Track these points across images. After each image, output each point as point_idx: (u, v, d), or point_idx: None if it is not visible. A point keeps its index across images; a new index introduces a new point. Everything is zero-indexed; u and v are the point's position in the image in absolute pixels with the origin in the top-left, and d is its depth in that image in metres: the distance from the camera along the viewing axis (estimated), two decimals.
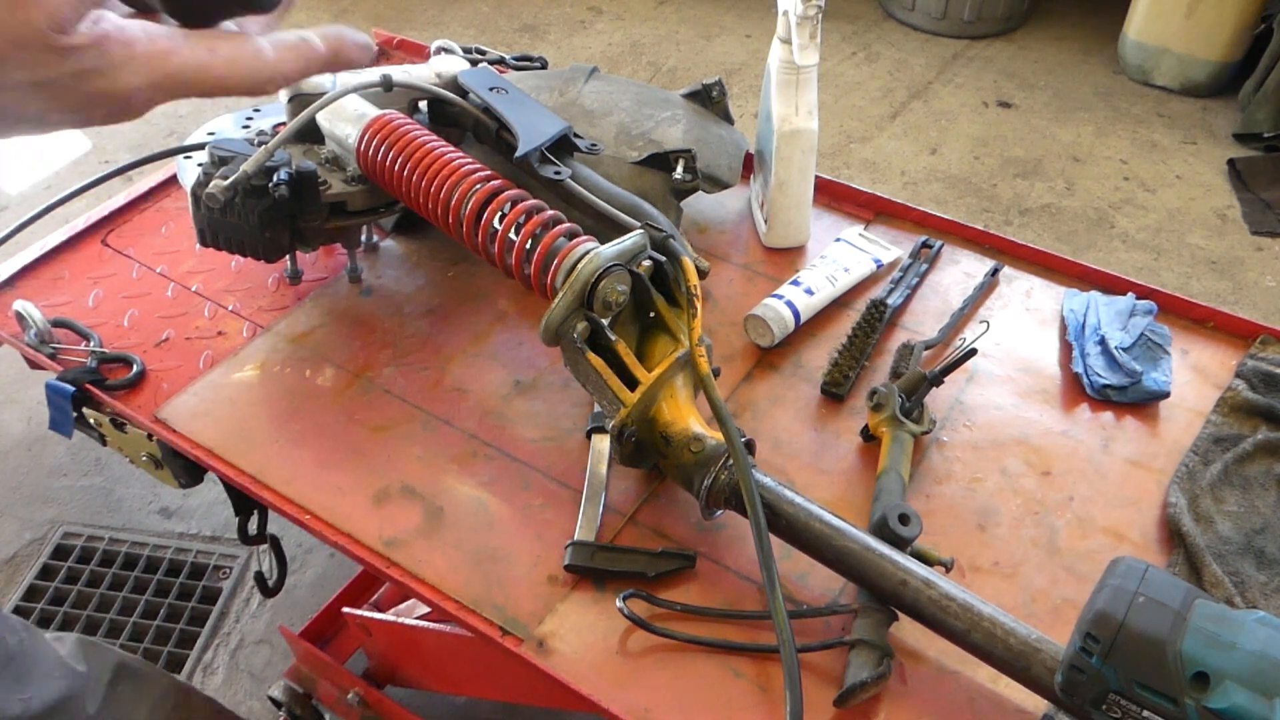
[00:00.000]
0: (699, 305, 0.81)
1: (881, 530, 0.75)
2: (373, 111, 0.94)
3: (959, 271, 1.08)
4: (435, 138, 0.93)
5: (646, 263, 0.81)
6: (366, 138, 0.92)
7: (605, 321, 0.79)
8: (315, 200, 0.93)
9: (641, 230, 0.83)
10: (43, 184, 2.68)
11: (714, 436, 0.78)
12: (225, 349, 1.01)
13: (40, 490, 1.94)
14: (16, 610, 1.73)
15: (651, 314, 0.82)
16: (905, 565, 0.70)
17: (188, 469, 0.98)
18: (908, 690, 0.73)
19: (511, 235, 0.86)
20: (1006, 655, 0.66)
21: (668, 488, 0.87)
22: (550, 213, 0.86)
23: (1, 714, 0.76)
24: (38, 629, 0.84)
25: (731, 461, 0.75)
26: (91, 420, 1.00)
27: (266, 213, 0.91)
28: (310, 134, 0.97)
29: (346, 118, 0.95)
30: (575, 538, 0.81)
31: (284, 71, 0.53)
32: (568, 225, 0.85)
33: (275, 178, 0.90)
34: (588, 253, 0.79)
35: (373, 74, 0.95)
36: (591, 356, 0.79)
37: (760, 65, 2.16)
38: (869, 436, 0.90)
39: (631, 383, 0.79)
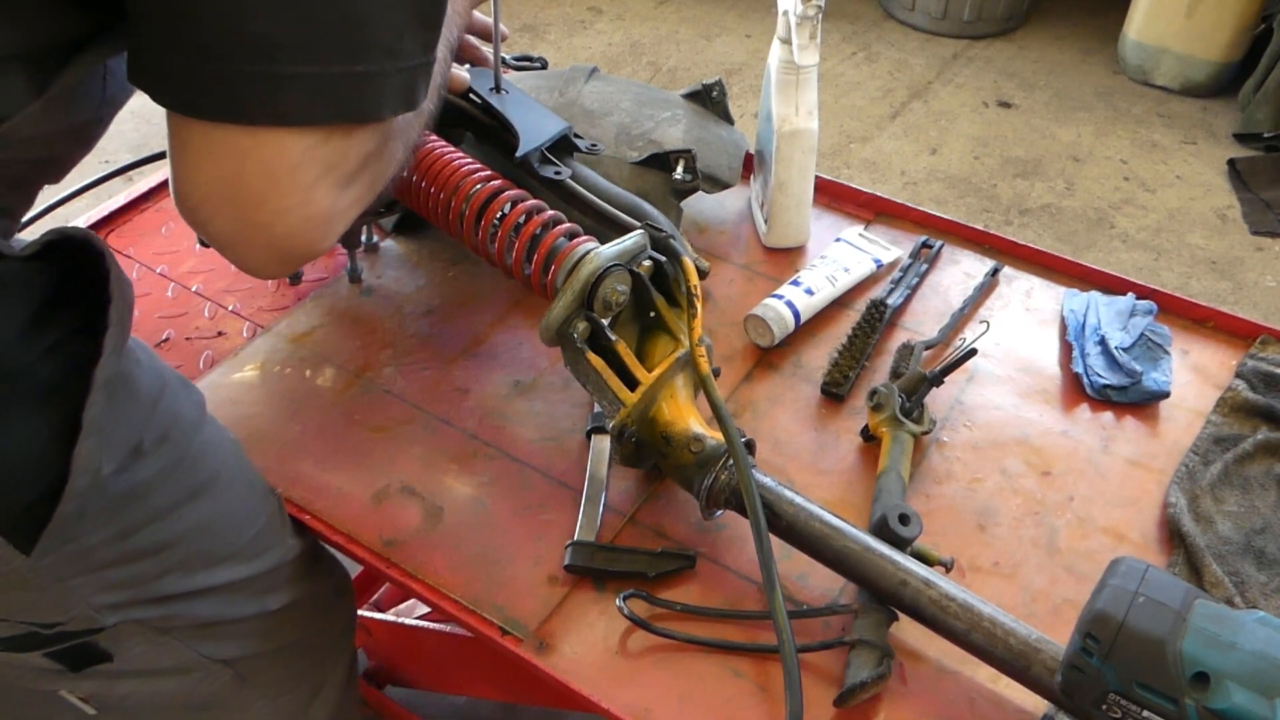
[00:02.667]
0: (699, 305, 0.81)
1: (881, 530, 0.75)
2: None
3: (959, 271, 1.08)
4: (435, 138, 0.93)
5: (647, 262, 0.81)
6: None
7: (605, 321, 0.79)
8: None
9: (642, 230, 0.83)
10: None
11: (714, 436, 0.78)
12: (225, 349, 1.01)
13: None
14: None
15: (652, 314, 0.82)
16: (905, 565, 0.70)
17: None
18: (908, 690, 0.73)
19: (511, 235, 0.86)
20: (1006, 655, 0.66)
21: (667, 488, 0.87)
22: (550, 213, 0.86)
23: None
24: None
25: (731, 462, 0.75)
26: None
27: None
28: None
29: None
30: (575, 538, 0.81)
31: None
32: (568, 225, 0.85)
33: None
34: (588, 253, 0.79)
35: None
36: (592, 356, 0.79)
37: (760, 65, 2.16)
38: (869, 437, 0.90)
39: (631, 383, 0.79)
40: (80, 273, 0.62)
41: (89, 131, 0.68)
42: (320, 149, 0.54)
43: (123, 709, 0.76)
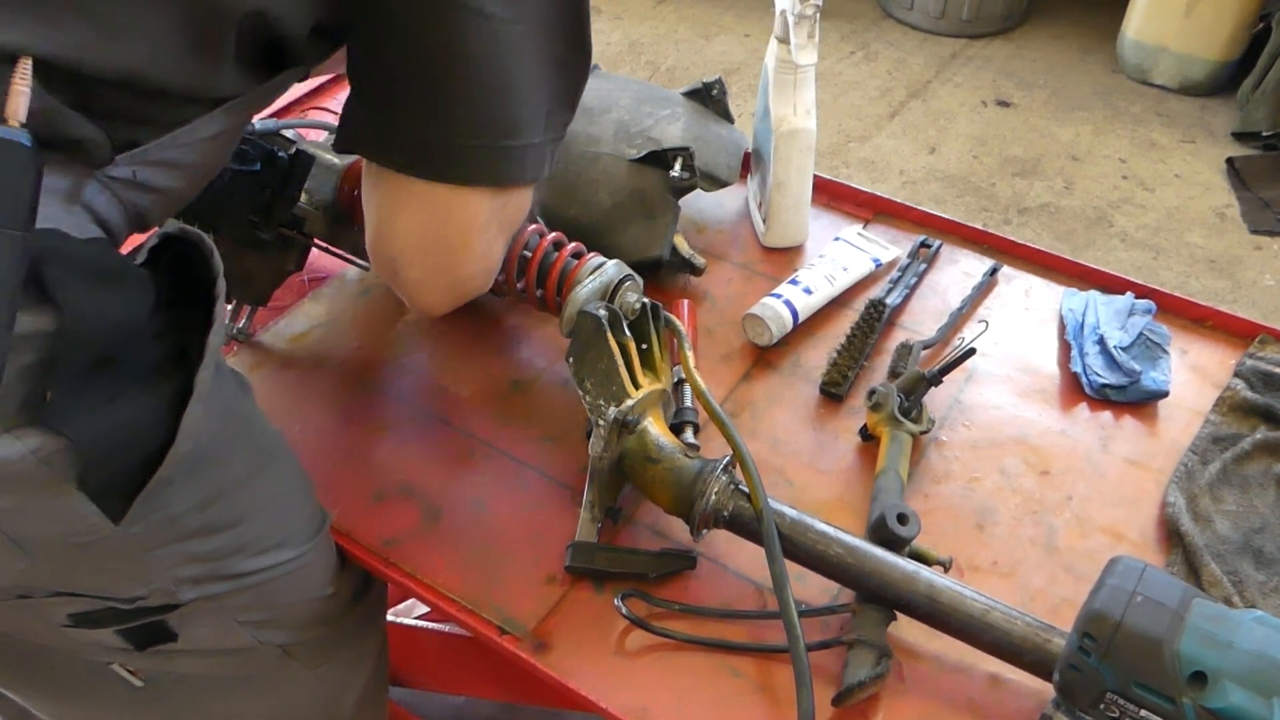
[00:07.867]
0: (689, 350, 0.84)
1: (879, 530, 0.75)
2: (344, 161, 0.94)
3: (958, 271, 1.08)
4: None
5: (637, 305, 0.84)
6: (347, 189, 0.93)
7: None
8: (297, 187, 0.91)
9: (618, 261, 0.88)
10: None
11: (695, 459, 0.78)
12: (223, 350, 1.01)
13: None
14: None
15: (644, 345, 0.84)
16: (896, 562, 0.71)
17: None
18: (906, 689, 0.73)
19: (525, 252, 0.88)
20: (1024, 636, 0.67)
21: None
22: (555, 234, 0.89)
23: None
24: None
25: (718, 487, 0.75)
26: None
27: (250, 179, 0.87)
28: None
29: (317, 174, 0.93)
30: (576, 538, 0.81)
31: None
32: (574, 245, 0.89)
33: (272, 147, 0.89)
34: (604, 262, 0.85)
35: None
36: (611, 338, 0.78)
37: (759, 65, 2.15)
38: (867, 436, 0.90)
39: (634, 382, 0.79)
40: (182, 258, 0.63)
41: (205, 178, 0.70)
42: (499, 207, 0.68)
43: (169, 682, 0.78)
